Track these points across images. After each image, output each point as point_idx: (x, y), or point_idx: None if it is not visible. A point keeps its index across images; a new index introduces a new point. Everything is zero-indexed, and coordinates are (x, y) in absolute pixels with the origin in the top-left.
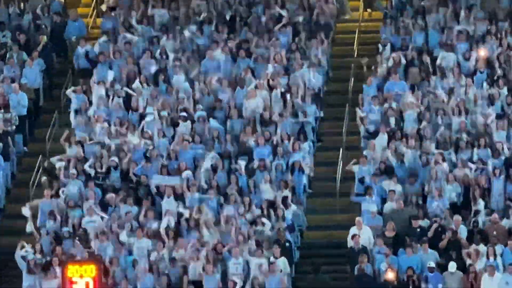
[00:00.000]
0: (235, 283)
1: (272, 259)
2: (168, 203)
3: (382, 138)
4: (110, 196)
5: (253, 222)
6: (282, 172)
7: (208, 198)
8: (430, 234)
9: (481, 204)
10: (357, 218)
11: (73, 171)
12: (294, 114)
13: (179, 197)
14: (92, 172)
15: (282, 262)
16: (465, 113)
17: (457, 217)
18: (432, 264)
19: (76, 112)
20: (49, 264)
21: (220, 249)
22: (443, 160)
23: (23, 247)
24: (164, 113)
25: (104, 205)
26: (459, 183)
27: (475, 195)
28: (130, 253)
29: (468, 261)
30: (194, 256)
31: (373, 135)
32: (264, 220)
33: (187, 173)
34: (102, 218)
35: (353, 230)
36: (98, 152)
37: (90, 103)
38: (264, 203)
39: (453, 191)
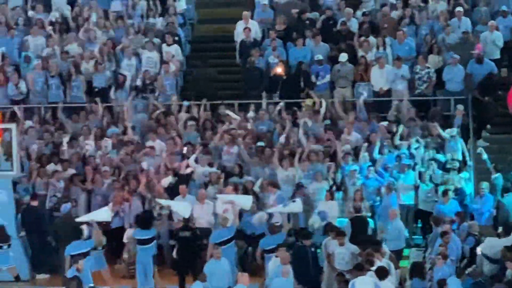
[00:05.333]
0: (124, 77)
1: (165, 49)
2: None
3: None
4: None
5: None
6: None
7: None
8: (318, 25)
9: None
10: (244, 12)
11: None
12: None
13: None
14: None
15: (175, 49)
16: None
17: (349, 10)
18: (321, 57)
19: None
20: None
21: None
22: None
23: None
24: None
25: None
26: None
27: None
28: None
29: (360, 52)
30: (87, 53)
31: None
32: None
33: None
34: None
35: (242, 24)
36: None
37: None
38: None
39: None
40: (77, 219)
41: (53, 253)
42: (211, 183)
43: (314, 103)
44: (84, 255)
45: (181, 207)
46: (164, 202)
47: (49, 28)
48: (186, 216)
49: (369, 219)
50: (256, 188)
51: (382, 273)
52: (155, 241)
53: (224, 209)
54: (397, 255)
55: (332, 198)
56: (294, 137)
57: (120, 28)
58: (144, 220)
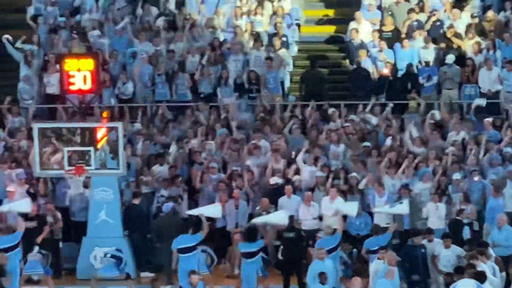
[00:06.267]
0: (228, 72)
1: (271, 54)
2: None
3: None
4: None
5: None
6: None
7: None
8: (427, 27)
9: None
10: (356, 12)
11: None
12: None
13: None
14: None
15: (283, 54)
16: None
17: (455, 11)
18: (429, 58)
19: None
20: (46, 60)
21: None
22: None
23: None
24: None
25: None
26: None
27: None
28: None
29: (469, 54)
30: (192, 49)
31: None
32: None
33: None
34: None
35: (352, 24)
36: None
37: None
38: None
39: None
40: (187, 212)
41: (156, 252)
42: (317, 186)
43: (418, 104)
44: (191, 249)
45: (277, 217)
46: (259, 220)
47: (157, 25)
48: (285, 224)
49: (472, 222)
50: (361, 186)
51: (480, 277)
52: (260, 255)
53: (333, 213)
54: (507, 261)
55: (440, 200)
56: (400, 140)
57: (228, 31)
58: (249, 232)
